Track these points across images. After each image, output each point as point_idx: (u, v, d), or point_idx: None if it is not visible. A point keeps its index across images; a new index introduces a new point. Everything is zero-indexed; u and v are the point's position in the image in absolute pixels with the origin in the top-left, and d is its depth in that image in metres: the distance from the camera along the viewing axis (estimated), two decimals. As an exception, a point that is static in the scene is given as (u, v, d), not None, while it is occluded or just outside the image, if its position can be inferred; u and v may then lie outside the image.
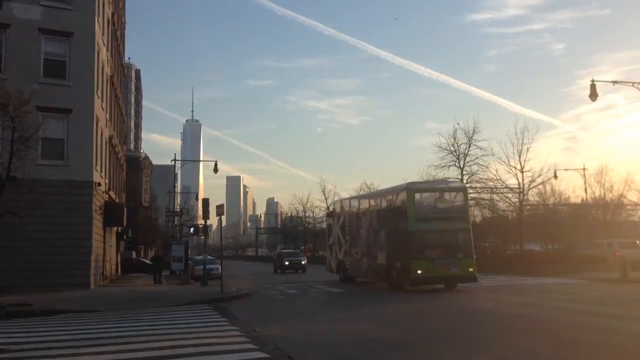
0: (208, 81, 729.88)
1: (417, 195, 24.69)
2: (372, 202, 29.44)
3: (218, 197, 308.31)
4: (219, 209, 26.99)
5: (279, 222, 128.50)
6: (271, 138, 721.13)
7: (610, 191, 55.03)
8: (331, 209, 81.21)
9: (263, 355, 10.15)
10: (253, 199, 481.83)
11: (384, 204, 27.32)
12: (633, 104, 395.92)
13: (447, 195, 25.88)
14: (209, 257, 38.70)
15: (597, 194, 56.04)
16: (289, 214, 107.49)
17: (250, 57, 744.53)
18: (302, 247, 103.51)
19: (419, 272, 22.78)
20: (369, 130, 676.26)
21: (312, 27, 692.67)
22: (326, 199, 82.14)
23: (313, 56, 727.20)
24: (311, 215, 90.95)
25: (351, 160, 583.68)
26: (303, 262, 48.25)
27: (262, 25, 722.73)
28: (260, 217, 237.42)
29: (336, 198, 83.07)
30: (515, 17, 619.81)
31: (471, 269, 23.43)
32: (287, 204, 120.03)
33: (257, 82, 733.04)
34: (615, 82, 31.22)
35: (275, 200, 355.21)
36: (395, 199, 25.59)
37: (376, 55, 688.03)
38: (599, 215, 56.00)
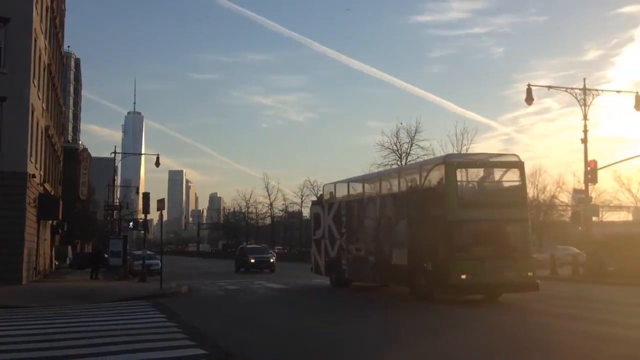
0: (151, 73, 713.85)
1: (460, 172, 18.66)
2: (386, 183, 23.34)
3: (159, 191, 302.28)
4: (160, 204, 26.60)
5: (222, 218, 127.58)
6: (215, 133, 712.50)
7: (543, 192, 57.41)
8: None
9: (201, 351, 10.09)
10: (195, 194, 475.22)
11: (405, 185, 21.43)
12: (566, 109, 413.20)
13: (498, 173, 19.64)
14: (148, 252, 38.09)
15: (530, 195, 58.22)
16: (232, 210, 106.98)
17: (194, 50, 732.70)
18: (245, 243, 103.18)
19: (464, 276, 17.14)
20: (313, 128, 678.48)
21: (258, 22, 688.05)
22: (269, 195, 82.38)
23: (259, 51, 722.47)
24: (254, 211, 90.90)
25: (295, 157, 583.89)
26: (271, 260, 41.55)
27: (206, 18, 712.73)
28: (203, 212, 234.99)
29: (279, 195, 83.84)
30: (457, 20, 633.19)
31: (530, 273, 17.89)
32: (230, 200, 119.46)
33: (201, 75, 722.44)
34: (550, 87, 32.59)
35: (218, 195, 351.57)
36: (424, 178, 19.55)
37: (322, 52, 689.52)
38: (532, 216, 58.14)
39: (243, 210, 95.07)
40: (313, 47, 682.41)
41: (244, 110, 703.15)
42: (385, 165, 46.03)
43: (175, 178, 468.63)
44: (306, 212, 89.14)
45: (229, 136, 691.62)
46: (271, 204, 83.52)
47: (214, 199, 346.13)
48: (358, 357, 10.05)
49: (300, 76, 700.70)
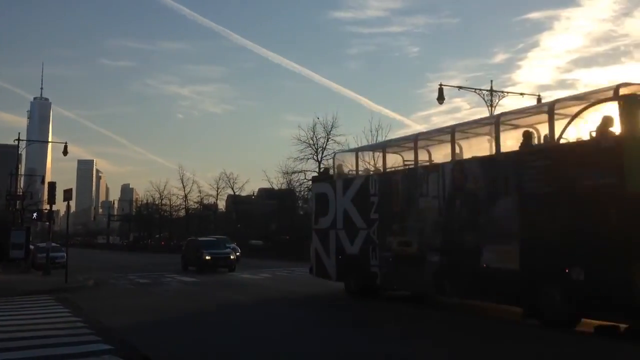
0: (60, 57, 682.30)
1: None
2: (467, 142, 15.77)
3: (68, 181, 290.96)
4: (67, 194, 25.60)
5: (134, 210, 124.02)
6: (128, 122, 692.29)
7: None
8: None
9: (107, 346, 9.86)
10: (106, 185, 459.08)
11: (513, 139, 13.94)
12: (475, 109, 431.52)
13: None
14: (53, 244, 36.55)
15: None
16: (145, 201, 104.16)
17: (107, 35, 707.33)
18: (157, 236, 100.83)
19: None
20: (230, 120, 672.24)
21: (175, 10, 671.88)
22: (184, 186, 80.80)
23: (175, 40, 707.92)
24: (168, 203, 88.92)
25: (212, 149, 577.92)
26: (232, 257, 32.40)
27: (120, 2, 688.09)
28: (114, 203, 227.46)
29: (195, 187, 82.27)
30: (375, 18, 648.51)
31: None
32: (143, 191, 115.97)
33: (114, 62, 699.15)
34: (460, 88, 33.75)
35: (130, 186, 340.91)
36: (567, 126, 11.99)
37: (241, 44, 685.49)
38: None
39: (156, 202, 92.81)
40: (232, 38, 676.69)
41: (159, 99, 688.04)
42: (302, 159, 46.23)
43: (85, 168, 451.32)
44: (222, 205, 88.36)
45: (143, 126, 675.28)
46: (186, 196, 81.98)
47: (126, 190, 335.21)
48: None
49: (218, 67, 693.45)
